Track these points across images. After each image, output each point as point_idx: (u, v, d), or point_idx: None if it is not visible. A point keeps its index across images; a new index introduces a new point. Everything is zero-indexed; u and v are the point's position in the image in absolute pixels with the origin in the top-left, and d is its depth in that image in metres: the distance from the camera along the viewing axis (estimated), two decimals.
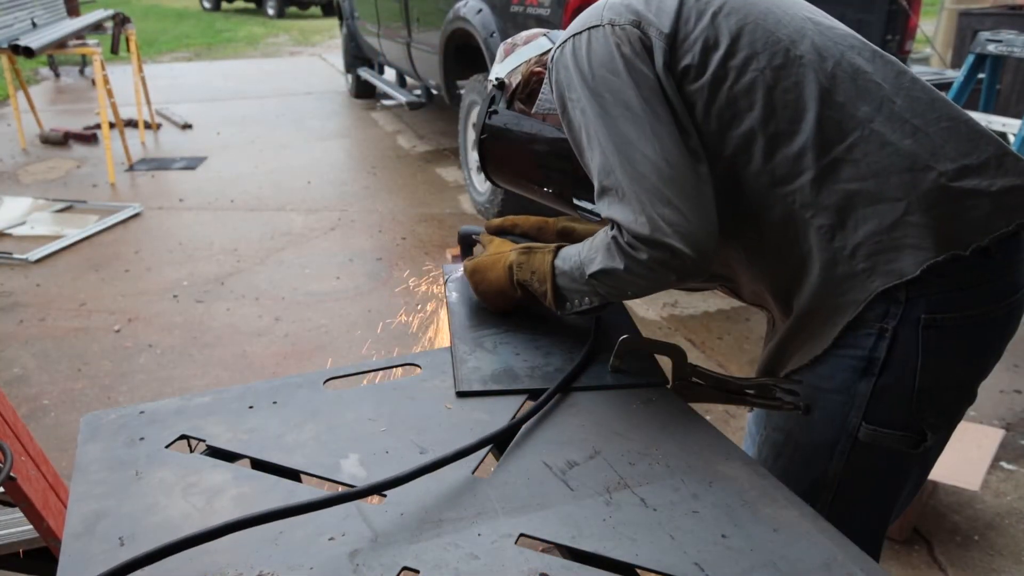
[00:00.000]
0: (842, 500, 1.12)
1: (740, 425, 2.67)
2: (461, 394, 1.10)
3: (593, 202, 1.13)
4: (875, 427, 1.06)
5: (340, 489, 0.92)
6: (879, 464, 1.10)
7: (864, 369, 1.04)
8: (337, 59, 10.09)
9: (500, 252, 1.25)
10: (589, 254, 1.10)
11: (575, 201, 1.31)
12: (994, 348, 1.09)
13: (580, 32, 1.11)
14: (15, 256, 4.12)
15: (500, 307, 1.29)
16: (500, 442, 0.99)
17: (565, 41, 1.13)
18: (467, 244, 1.39)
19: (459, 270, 1.44)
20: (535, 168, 1.34)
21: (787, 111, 1.03)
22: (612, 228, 1.06)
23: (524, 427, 1.02)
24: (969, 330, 1.03)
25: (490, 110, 1.32)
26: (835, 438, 1.08)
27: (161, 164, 5.97)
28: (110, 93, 5.67)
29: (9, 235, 4.47)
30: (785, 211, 1.05)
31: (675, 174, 1.00)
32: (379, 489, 0.87)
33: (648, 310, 3.55)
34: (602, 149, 1.05)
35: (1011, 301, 1.04)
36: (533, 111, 1.29)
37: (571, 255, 1.14)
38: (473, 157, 4.89)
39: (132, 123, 6.64)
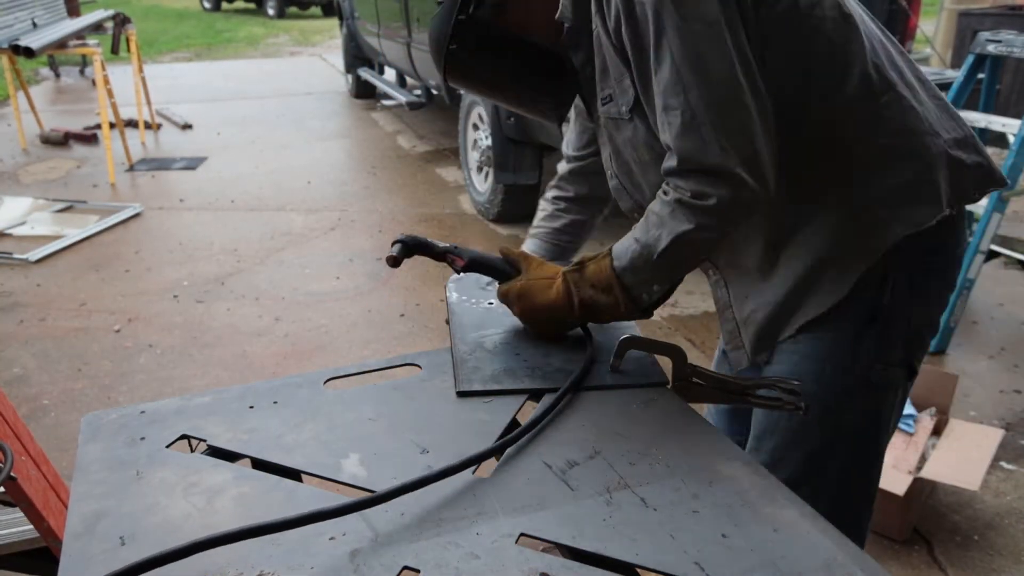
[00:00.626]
0: (859, 448, 1.17)
1: None
2: (461, 394, 1.10)
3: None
4: (884, 366, 1.13)
5: (341, 490, 0.92)
6: (886, 403, 1.17)
7: (872, 316, 1.10)
8: (337, 59, 10.09)
9: (546, 276, 1.18)
10: (651, 234, 1.05)
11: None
12: (953, 285, 1.21)
13: None
14: (15, 256, 4.12)
15: (551, 332, 1.22)
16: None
17: None
18: (478, 267, 1.26)
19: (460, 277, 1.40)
20: (512, 83, 1.27)
21: (839, 60, 1.06)
22: (669, 185, 1.03)
23: (525, 427, 1.02)
24: (940, 273, 1.16)
25: (459, 17, 1.16)
26: (851, 384, 1.13)
27: (161, 164, 5.98)
28: (110, 93, 5.67)
29: (9, 235, 4.47)
30: (830, 152, 1.08)
31: (748, 103, 0.97)
32: (387, 498, 0.86)
33: None
34: (676, 65, 0.96)
35: (960, 249, 1.19)
36: (558, 16, 1.14)
37: (626, 248, 1.09)
38: (473, 158, 4.88)
39: (132, 123, 6.64)
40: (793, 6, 1.04)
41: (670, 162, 1.02)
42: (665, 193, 1.04)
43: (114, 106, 5.82)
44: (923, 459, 2.17)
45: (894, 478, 2.06)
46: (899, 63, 1.12)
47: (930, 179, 1.07)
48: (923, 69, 4.44)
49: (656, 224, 1.05)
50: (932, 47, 6.45)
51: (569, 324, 1.20)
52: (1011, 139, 3.06)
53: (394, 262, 1.16)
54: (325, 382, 1.15)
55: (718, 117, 0.96)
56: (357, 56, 7.94)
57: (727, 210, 1.00)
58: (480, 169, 4.83)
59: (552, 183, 1.49)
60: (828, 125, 1.08)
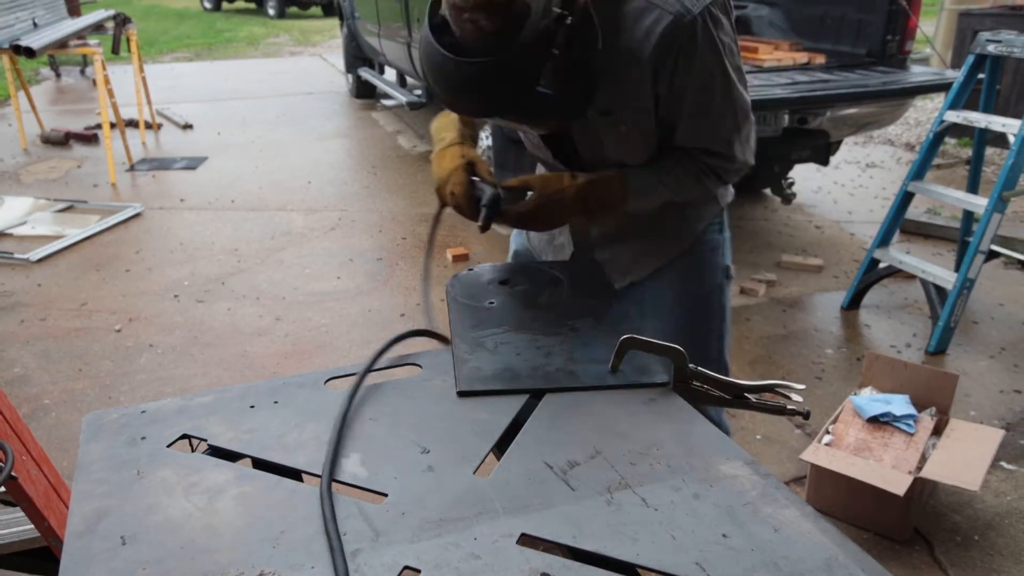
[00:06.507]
0: (726, 316, 1.62)
1: (741, 425, 2.67)
2: (462, 394, 1.11)
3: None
4: (724, 274, 1.60)
5: (341, 490, 0.92)
6: (728, 293, 1.62)
7: (720, 227, 1.59)
8: (337, 59, 10.09)
9: (561, 187, 1.35)
10: (677, 186, 1.39)
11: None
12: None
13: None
14: (16, 256, 4.12)
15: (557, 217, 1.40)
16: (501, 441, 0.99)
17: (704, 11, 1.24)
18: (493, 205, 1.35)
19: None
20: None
21: None
22: (693, 158, 1.37)
23: (525, 427, 1.02)
24: (725, 225, 1.63)
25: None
26: (715, 282, 1.59)
27: (162, 164, 5.98)
28: (111, 93, 5.67)
29: (10, 235, 4.47)
30: None
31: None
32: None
33: None
34: (725, 103, 1.32)
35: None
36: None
37: (647, 184, 1.39)
38: None
39: (133, 123, 6.64)
40: None
41: (709, 147, 1.37)
42: (690, 159, 1.38)
43: (115, 106, 5.82)
44: (923, 459, 2.17)
45: (894, 478, 2.06)
46: None
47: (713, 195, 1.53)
48: (923, 69, 4.38)
49: (674, 176, 1.39)
50: (932, 47, 6.45)
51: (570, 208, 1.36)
52: (1011, 139, 3.06)
53: (485, 230, 1.38)
54: (325, 382, 1.15)
55: (749, 133, 1.39)
56: (357, 56, 7.92)
57: (728, 182, 1.46)
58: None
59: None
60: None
